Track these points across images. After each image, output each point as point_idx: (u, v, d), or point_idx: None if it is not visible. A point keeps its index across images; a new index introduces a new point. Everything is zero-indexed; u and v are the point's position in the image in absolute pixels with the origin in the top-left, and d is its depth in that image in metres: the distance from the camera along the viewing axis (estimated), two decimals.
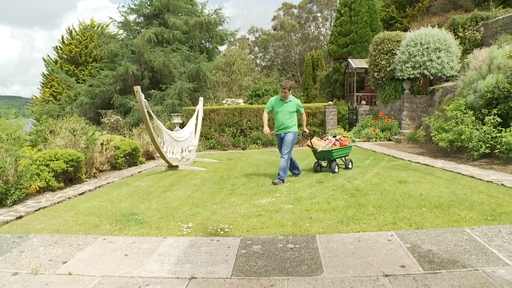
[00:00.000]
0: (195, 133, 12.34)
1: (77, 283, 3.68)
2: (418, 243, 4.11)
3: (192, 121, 12.30)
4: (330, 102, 19.04)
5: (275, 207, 5.87)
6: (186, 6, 23.29)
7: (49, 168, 8.09)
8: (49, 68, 28.20)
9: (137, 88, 8.98)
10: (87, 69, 26.53)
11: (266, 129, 8.44)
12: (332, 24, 31.02)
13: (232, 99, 23.12)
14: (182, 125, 15.04)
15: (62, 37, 28.59)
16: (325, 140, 9.55)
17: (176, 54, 21.66)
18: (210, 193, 7.18)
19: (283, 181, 7.96)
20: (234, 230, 4.87)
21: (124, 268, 3.92)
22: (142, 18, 23.96)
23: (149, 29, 21.74)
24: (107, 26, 27.75)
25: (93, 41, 26.42)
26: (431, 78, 15.77)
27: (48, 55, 28.64)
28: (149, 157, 13.49)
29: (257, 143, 16.51)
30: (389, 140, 15.84)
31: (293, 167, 8.72)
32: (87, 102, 21.23)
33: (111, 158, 10.80)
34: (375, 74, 17.65)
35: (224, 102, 22.41)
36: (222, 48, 31.35)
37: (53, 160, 8.20)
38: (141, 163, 12.21)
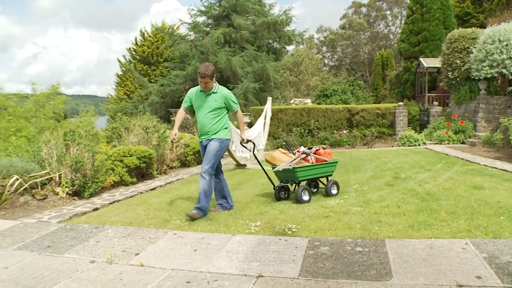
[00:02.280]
0: (263, 133, 12.43)
1: (148, 274, 3.84)
2: (495, 254, 3.90)
3: (261, 120, 12.39)
4: (400, 103, 18.52)
5: (343, 209, 5.80)
6: (254, 6, 23.50)
7: (123, 163, 8.46)
8: (123, 68, 29.45)
9: None
10: (158, 69, 27.44)
11: (173, 131, 6.21)
12: (403, 22, 30.17)
13: (300, 99, 23.10)
14: (250, 125, 15.19)
15: (135, 39, 29.78)
16: (296, 152, 7.15)
17: (243, 54, 21.92)
18: None
19: (203, 214, 5.72)
20: (302, 230, 4.88)
21: (193, 263, 4.03)
22: (211, 19, 24.43)
23: (218, 30, 22.14)
24: (177, 27, 28.55)
25: (164, 42, 27.28)
26: (510, 77, 14.92)
27: (123, 56, 29.94)
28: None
29: (325, 144, 16.38)
30: (463, 143, 15.16)
31: (220, 195, 6.27)
32: (158, 101, 21.98)
33: (180, 156, 11.13)
34: (449, 73, 16.94)
35: (291, 102, 22.43)
36: (290, 48, 31.29)
37: (127, 156, 8.58)
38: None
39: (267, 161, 7.17)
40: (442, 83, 18.51)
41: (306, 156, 6.95)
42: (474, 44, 15.76)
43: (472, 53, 15.54)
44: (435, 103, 18.89)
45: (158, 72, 26.62)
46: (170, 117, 19.37)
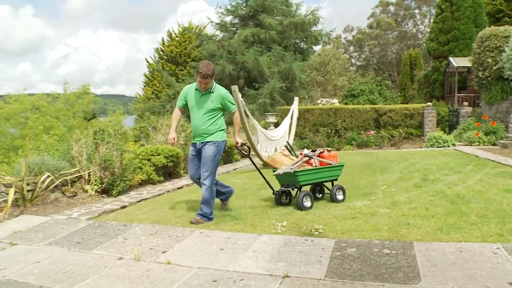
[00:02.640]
0: (289, 133, 12.41)
1: (175, 272, 3.88)
2: None
3: (287, 120, 12.37)
4: (429, 103, 18.21)
5: (371, 210, 5.75)
6: (281, 7, 23.47)
7: (150, 162, 8.57)
8: (151, 68, 29.79)
9: (234, 88, 9.22)
10: (185, 68, 27.65)
11: (171, 134, 5.94)
12: (432, 21, 29.68)
13: (327, 99, 22.98)
14: (276, 125, 15.19)
15: (162, 39, 30.08)
16: (299, 155, 6.70)
17: (270, 54, 21.91)
18: None
19: (209, 218, 5.60)
20: (328, 231, 4.85)
21: (220, 262, 4.05)
22: (237, 19, 24.51)
23: (245, 30, 22.20)
24: (204, 27, 28.74)
25: (191, 42, 27.49)
26: None
27: (151, 57, 30.31)
28: (244, 155, 13.74)
29: (351, 144, 16.25)
30: (494, 144, 14.82)
31: (220, 192, 6.09)
32: None
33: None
34: (479, 73, 16.58)
35: (318, 102, 22.33)
36: (317, 47, 31.15)
37: (154, 155, 8.69)
38: (236, 161, 12.52)
39: (267, 163, 6.84)
40: (472, 83, 18.16)
41: (309, 159, 6.53)
42: (507, 42, 15.38)
43: (505, 52, 15.17)
44: (465, 103, 18.51)
45: (186, 72, 26.83)
46: None
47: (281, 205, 6.34)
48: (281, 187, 6.52)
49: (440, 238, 4.44)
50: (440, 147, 15.08)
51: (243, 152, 6.57)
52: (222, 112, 5.84)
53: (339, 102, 22.71)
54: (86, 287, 3.65)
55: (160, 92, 26.90)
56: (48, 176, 7.12)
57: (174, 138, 5.89)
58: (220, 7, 24.22)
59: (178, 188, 8.24)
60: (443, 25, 22.72)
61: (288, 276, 3.65)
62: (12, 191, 6.55)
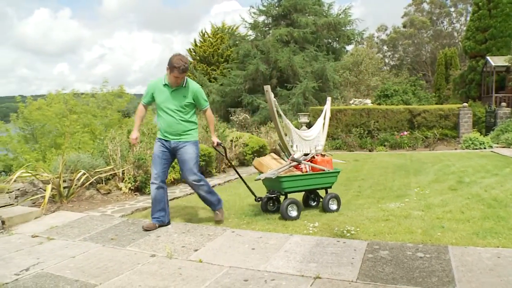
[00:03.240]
0: (322, 133, 12.31)
1: (206, 270, 3.90)
2: None
3: (320, 120, 12.24)
4: (465, 104, 17.79)
5: (404, 213, 5.65)
6: (314, 6, 23.33)
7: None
8: None
9: (267, 88, 9.19)
10: (218, 69, 27.83)
11: (133, 133, 5.45)
12: (468, 19, 28.97)
13: (360, 100, 22.72)
14: (308, 125, 15.11)
15: (195, 40, 30.35)
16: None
17: (303, 54, 21.83)
18: None
19: (221, 205, 5.62)
20: (361, 233, 4.80)
21: (251, 261, 4.06)
22: (270, 19, 24.50)
23: (278, 30, 22.16)
24: (236, 28, 28.84)
25: (223, 43, 27.63)
26: None
27: None
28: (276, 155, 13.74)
29: (384, 145, 16.03)
30: None
31: (159, 207, 5.41)
32: (218, 100, 22.32)
33: (239, 155, 11.24)
34: None
35: (351, 102, 22.11)
36: (350, 47, 30.85)
37: None
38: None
39: (254, 167, 6.36)
40: (511, 82, 17.62)
41: (298, 164, 6.01)
42: None
43: None
44: (503, 104, 17.99)
45: (218, 72, 27.02)
46: (230, 116, 19.63)
47: (267, 212, 5.94)
48: (267, 193, 6.06)
49: (476, 243, 4.33)
50: (476, 149, 14.72)
51: (220, 153, 6.06)
52: (194, 109, 5.49)
53: (372, 103, 22.44)
54: (120, 282, 3.71)
55: None
56: (84, 174, 7.28)
57: (136, 138, 5.43)
58: (253, 7, 24.31)
59: (213, 187, 8.29)
60: (480, 23, 22.17)
61: (320, 277, 3.62)
62: (49, 187, 6.73)
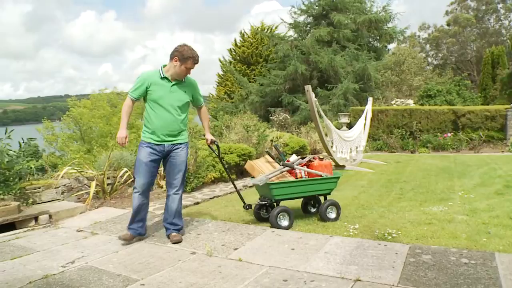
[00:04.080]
0: (363, 134, 12.19)
1: (246, 269, 3.92)
2: None
3: (361, 121, 12.16)
4: None
5: (447, 217, 5.51)
6: (354, 4, 23.02)
7: (223, 160, 8.71)
8: (223, 68, 30.30)
9: (308, 88, 9.19)
10: (258, 69, 27.89)
11: (122, 132, 4.73)
12: None
13: (401, 100, 22.26)
14: (349, 125, 14.97)
15: (235, 40, 30.50)
16: (288, 161, 5.74)
17: (343, 53, 21.60)
18: (377, 196, 7.04)
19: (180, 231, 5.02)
20: (402, 236, 4.71)
21: (291, 262, 4.05)
22: (310, 18, 24.35)
23: (318, 29, 21.99)
24: (276, 28, 28.82)
25: (263, 43, 27.65)
26: None
27: (224, 57, 30.78)
28: (320, 155, 13.68)
29: (427, 147, 15.66)
30: None
31: (139, 217, 4.93)
32: (257, 100, 22.37)
33: (279, 155, 11.22)
34: None
35: (393, 102, 21.70)
36: (391, 46, 30.27)
37: (227, 154, 8.83)
38: None
39: (247, 169, 5.96)
40: None
41: (292, 169, 5.58)
42: None
43: None
44: None
45: (258, 72, 27.10)
46: (270, 116, 19.65)
47: (261, 221, 5.60)
48: (258, 199, 5.68)
49: None
50: None
51: (213, 151, 5.57)
52: (188, 109, 5.06)
53: (414, 103, 21.96)
54: (161, 278, 3.77)
55: (233, 92, 27.31)
56: (126, 171, 7.46)
57: (126, 137, 4.75)
58: (293, 7, 24.21)
59: (250, 187, 8.32)
60: None
61: (360, 280, 3.58)
62: (94, 184, 6.94)
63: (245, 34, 30.13)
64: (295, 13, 24.18)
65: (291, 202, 5.62)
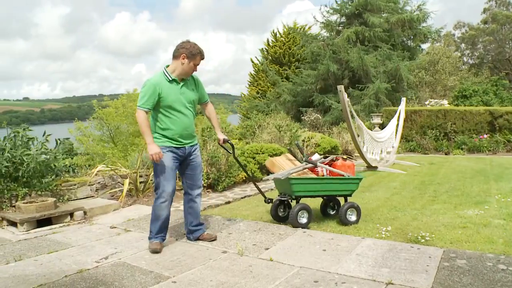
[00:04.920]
0: (395, 135, 12.02)
1: (277, 269, 3.91)
2: None
3: (393, 122, 11.99)
4: None
5: (483, 221, 5.37)
6: (388, 4, 22.69)
7: (255, 160, 8.73)
8: (255, 68, 30.34)
9: (340, 88, 9.12)
10: (290, 68, 27.82)
11: (154, 148, 4.37)
12: None
13: (436, 100, 21.85)
14: (381, 126, 14.78)
15: (267, 40, 30.48)
16: (310, 159, 5.63)
17: (376, 53, 21.31)
18: (410, 198, 6.92)
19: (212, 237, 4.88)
20: (436, 239, 4.62)
21: (322, 263, 4.02)
22: (343, 18, 24.14)
23: (350, 29, 21.77)
24: (309, 27, 28.68)
25: (295, 42, 27.56)
26: None
27: (256, 57, 30.79)
28: (348, 156, 13.55)
29: (462, 148, 15.32)
30: None
31: (164, 225, 4.71)
32: (289, 100, 22.31)
33: (311, 155, 11.17)
34: None
35: (426, 103, 21.32)
36: (425, 46, 29.69)
37: (259, 153, 8.84)
38: None
39: (265, 166, 5.92)
40: None
41: (314, 167, 5.49)
42: None
43: None
44: None
45: (290, 71, 27.04)
46: (301, 116, 19.58)
47: (278, 219, 5.49)
48: (278, 195, 5.56)
49: None
50: None
51: (227, 150, 5.33)
52: None
53: (449, 104, 21.52)
54: (192, 276, 3.81)
55: (264, 92, 27.32)
56: None
57: (160, 152, 4.42)
58: (326, 6, 24.03)
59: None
60: None
61: (392, 283, 3.52)
62: (127, 182, 7.06)
63: (277, 34, 30.08)
64: (327, 12, 24.01)
65: (310, 205, 5.50)
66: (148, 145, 4.39)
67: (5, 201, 6.07)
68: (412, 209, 6.12)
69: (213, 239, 4.83)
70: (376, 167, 10.36)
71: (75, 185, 6.83)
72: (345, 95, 9.16)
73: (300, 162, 5.62)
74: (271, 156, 8.84)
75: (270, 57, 29.42)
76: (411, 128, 16.80)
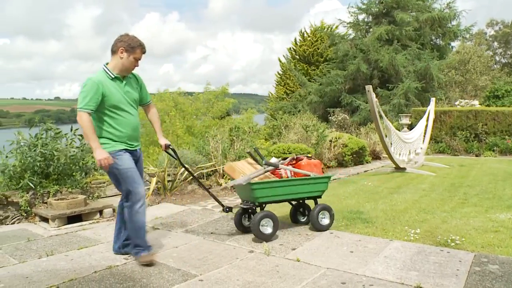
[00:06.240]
0: (424, 135, 11.84)
1: (304, 270, 3.90)
2: None
3: (422, 122, 11.81)
4: None
5: None
6: (417, 2, 22.34)
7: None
8: (283, 68, 30.31)
9: (369, 88, 9.03)
10: (317, 68, 27.69)
11: (102, 153, 3.94)
12: None
13: (466, 101, 21.46)
14: (410, 126, 14.58)
15: (295, 39, 30.40)
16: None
17: (405, 52, 21.02)
18: (440, 200, 6.79)
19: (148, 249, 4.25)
20: (466, 243, 4.51)
21: (349, 264, 3.99)
22: (370, 17, 23.90)
23: (378, 28, 21.54)
24: (336, 27, 28.53)
25: (323, 42, 27.42)
26: None
27: (283, 56, 30.74)
28: (375, 156, 13.43)
29: (493, 150, 14.97)
30: None
31: (145, 234, 4.29)
32: (316, 100, 22.21)
33: (338, 155, 11.12)
34: None
35: (456, 103, 20.96)
36: (455, 44, 29.09)
37: (286, 153, 8.84)
38: (366, 162, 12.25)
39: (225, 172, 5.57)
40: None
41: (274, 170, 5.06)
42: None
43: None
44: None
45: (318, 71, 26.91)
46: (328, 117, 19.47)
47: (242, 230, 5.09)
48: (241, 203, 5.11)
49: None
50: None
51: (172, 156, 4.81)
52: None
53: (480, 104, 21.08)
54: (219, 275, 3.83)
55: (292, 92, 27.26)
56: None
57: (109, 157, 3.99)
58: (352, 6, 23.85)
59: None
60: None
61: (421, 287, 3.47)
62: (154, 180, 7.15)
63: (305, 33, 29.99)
64: (354, 12, 23.84)
65: (280, 213, 5.36)
66: (94, 150, 3.95)
67: (37, 198, 6.23)
68: (442, 211, 6.00)
69: (147, 263, 4.14)
70: (404, 168, 10.22)
71: (104, 183, 6.95)
72: (373, 95, 9.07)
73: (261, 165, 5.20)
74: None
75: (298, 57, 29.34)
76: (441, 129, 16.51)
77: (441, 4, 23.35)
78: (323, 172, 5.30)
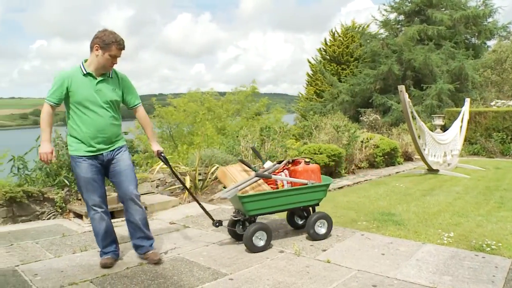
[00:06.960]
0: (459, 137, 11.58)
1: (334, 271, 3.88)
2: None
3: (457, 123, 11.56)
4: None
5: None
6: (451, 0, 21.87)
7: (312, 160, 8.69)
8: (313, 68, 30.15)
9: (401, 88, 8.89)
10: (348, 68, 27.44)
11: (46, 147, 3.92)
12: None
13: (502, 101, 20.83)
14: (443, 127, 14.29)
15: (325, 39, 30.19)
16: (262, 167, 4.90)
17: (438, 52, 20.59)
18: (474, 203, 6.63)
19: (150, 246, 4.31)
20: (503, 249, 4.39)
21: (380, 267, 3.95)
22: (402, 16, 23.54)
23: (411, 27, 21.16)
24: (367, 26, 28.20)
25: (354, 42, 27.15)
26: None
27: (312, 57, 30.55)
28: (407, 158, 13.22)
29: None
30: None
31: (111, 238, 4.28)
32: (347, 100, 22.01)
33: (369, 156, 11.00)
34: None
35: (492, 104, 20.39)
36: (491, 43, 28.28)
37: (317, 154, 8.79)
38: (398, 164, 12.08)
39: (218, 177, 5.25)
40: None
41: (272, 177, 4.61)
42: None
43: None
44: None
45: (348, 71, 26.66)
46: (359, 117, 19.27)
47: (235, 238, 4.85)
48: (233, 214, 4.89)
49: None
50: None
51: (165, 163, 4.53)
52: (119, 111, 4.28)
53: None
54: (249, 274, 3.84)
55: (322, 92, 27.07)
56: (217, 168, 7.67)
57: (51, 153, 3.97)
58: (384, 4, 23.54)
59: (339, 188, 8.23)
60: None
61: None
62: (188, 179, 7.24)
63: (335, 33, 29.76)
64: (385, 10, 23.53)
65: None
66: (41, 142, 3.95)
67: (72, 195, 6.38)
68: (476, 215, 5.86)
69: (155, 262, 4.18)
70: (437, 170, 10.03)
71: None
72: (406, 96, 8.92)
73: (255, 171, 4.80)
74: (328, 156, 8.77)
75: (328, 57, 29.15)
76: (475, 130, 16.13)
77: (477, 1, 22.65)
78: (321, 175, 4.99)
